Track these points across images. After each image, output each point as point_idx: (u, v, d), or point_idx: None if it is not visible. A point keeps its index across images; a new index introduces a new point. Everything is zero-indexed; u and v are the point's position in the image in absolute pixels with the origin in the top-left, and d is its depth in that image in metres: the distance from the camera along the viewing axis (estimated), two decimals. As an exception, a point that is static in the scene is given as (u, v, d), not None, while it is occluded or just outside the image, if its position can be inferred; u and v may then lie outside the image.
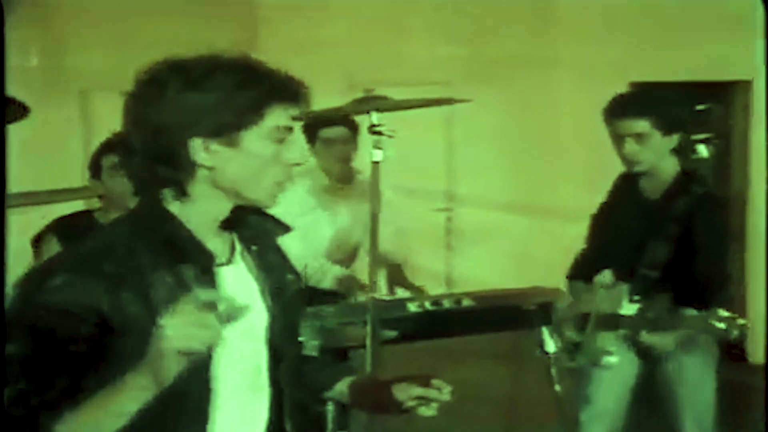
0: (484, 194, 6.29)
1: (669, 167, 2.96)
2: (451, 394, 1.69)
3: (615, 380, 3.05)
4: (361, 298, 3.47)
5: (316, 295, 3.60)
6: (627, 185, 3.10)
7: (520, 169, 6.10)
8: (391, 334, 3.15)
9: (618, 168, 3.23)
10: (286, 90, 1.46)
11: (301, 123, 3.57)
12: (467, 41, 6.24)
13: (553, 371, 3.21)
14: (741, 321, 2.63)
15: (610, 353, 2.95)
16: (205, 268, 1.44)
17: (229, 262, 1.52)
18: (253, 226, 1.58)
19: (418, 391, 1.68)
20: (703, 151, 5.84)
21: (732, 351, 4.66)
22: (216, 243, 1.50)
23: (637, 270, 2.93)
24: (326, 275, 3.61)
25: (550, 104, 6.11)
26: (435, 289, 4.62)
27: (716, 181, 6.01)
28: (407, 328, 3.26)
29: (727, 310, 2.65)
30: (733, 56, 5.55)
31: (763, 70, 4.09)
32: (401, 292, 3.90)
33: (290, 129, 1.48)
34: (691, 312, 2.75)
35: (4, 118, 1.41)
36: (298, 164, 1.51)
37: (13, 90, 1.71)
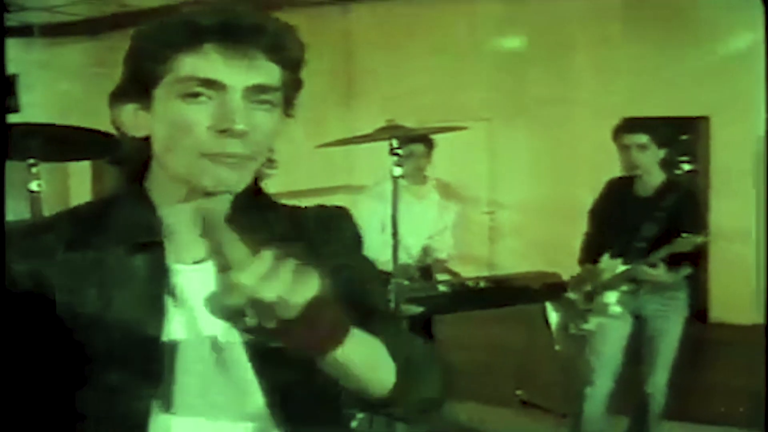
0: (518, 200, 7.39)
1: (658, 174, 3.61)
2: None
3: (616, 335, 3.61)
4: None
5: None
6: (622, 187, 3.71)
7: (546, 182, 7.02)
8: (418, 309, 3.64)
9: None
10: (223, 30, 1.04)
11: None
12: (505, 87, 7.41)
13: (554, 335, 3.89)
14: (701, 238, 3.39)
15: (615, 305, 3.52)
16: (154, 252, 1.12)
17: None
18: (262, 226, 1.17)
19: None
20: (685, 167, 7.01)
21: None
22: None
23: (631, 245, 3.51)
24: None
25: (569, 133, 7.09)
26: (480, 272, 5.61)
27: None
28: (435, 303, 3.84)
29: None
30: (697, 98, 6.63)
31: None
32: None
33: (214, 83, 1.05)
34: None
35: (3, 116, 1.36)
36: (228, 130, 1.05)
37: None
